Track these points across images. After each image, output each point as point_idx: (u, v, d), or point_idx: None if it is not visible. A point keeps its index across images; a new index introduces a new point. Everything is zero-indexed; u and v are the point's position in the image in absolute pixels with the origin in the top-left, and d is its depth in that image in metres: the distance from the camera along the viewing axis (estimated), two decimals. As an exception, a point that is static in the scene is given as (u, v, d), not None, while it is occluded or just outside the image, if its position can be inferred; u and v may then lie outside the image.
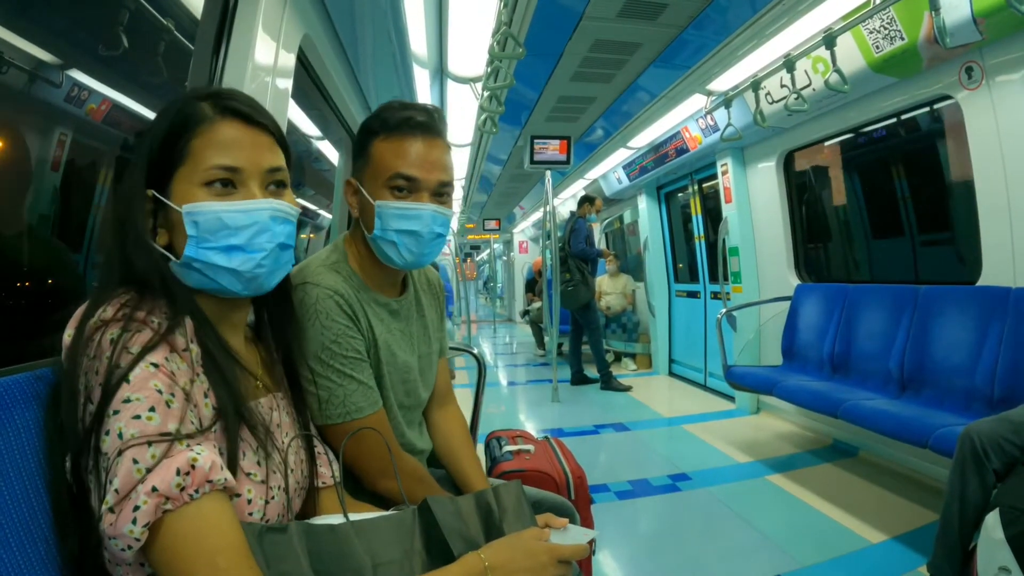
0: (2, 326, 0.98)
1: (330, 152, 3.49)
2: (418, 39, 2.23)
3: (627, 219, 6.47)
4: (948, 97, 2.29)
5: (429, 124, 0.91)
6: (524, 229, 10.99)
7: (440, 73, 2.83)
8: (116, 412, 0.50)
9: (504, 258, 13.92)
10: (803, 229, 3.51)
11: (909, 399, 2.29)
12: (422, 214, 0.90)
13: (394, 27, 2.06)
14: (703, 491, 2.45)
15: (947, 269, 2.77)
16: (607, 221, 6.75)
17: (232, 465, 0.57)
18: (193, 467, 0.50)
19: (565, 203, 7.01)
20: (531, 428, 3.55)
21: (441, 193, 0.93)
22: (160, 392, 0.52)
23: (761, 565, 1.81)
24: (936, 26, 1.78)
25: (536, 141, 4.03)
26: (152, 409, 0.50)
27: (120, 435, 0.49)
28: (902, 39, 2.15)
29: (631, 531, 2.16)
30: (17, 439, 0.53)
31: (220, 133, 0.62)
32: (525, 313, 7.65)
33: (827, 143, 3.22)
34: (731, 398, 4.01)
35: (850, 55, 2.33)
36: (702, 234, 4.61)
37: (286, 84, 1.37)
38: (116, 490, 0.48)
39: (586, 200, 4.82)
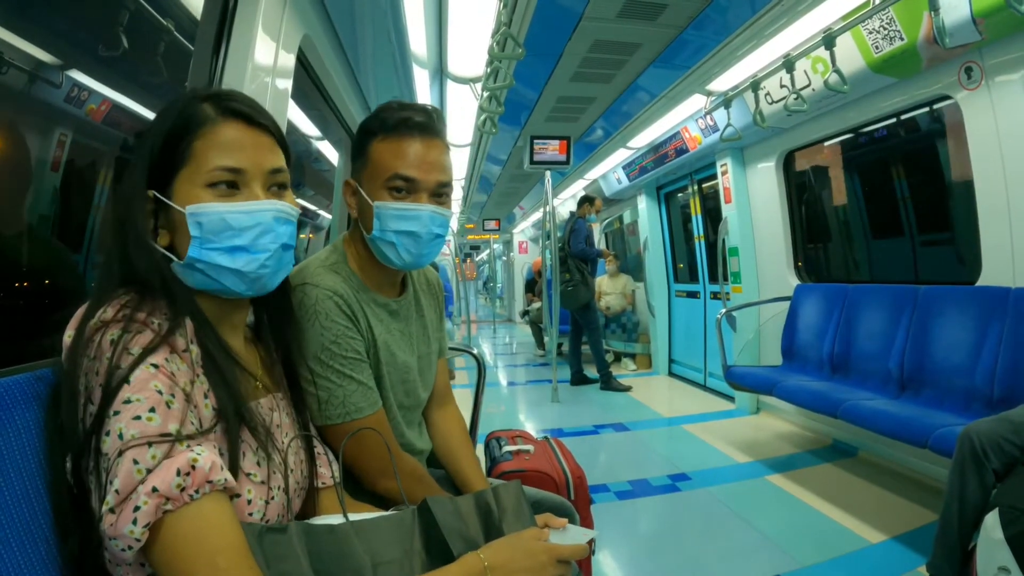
0: (2, 326, 0.98)
1: (330, 152, 3.49)
2: (418, 39, 2.24)
3: (627, 219, 6.47)
4: (948, 97, 2.29)
5: (427, 124, 0.91)
6: (524, 229, 10.99)
7: (440, 73, 2.83)
8: (116, 413, 0.50)
9: (504, 258, 13.93)
10: (803, 229, 3.52)
11: (909, 399, 2.29)
12: (420, 215, 0.90)
13: (394, 27, 2.06)
14: (703, 491, 2.46)
15: (947, 269, 2.77)
16: (607, 221, 6.75)
17: (233, 466, 0.57)
18: (193, 467, 0.50)
19: (565, 203, 7.01)
20: (531, 428, 3.56)
21: (440, 194, 0.93)
22: (160, 393, 0.52)
23: (761, 565, 1.81)
24: (935, 26, 1.78)
25: (536, 141, 4.03)
26: (152, 410, 0.50)
27: (120, 436, 0.49)
28: (901, 39, 2.15)
29: (631, 531, 2.16)
30: (18, 439, 0.53)
31: (222, 134, 0.62)
32: (525, 313, 7.65)
33: (827, 143, 3.23)
34: (731, 398, 4.01)
35: (849, 55, 2.33)
36: (702, 234, 4.61)
37: (286, 84, 1.37)
38: (117, 490, 0.48)
39: (586, 200, 4.82)
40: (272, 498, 0.63)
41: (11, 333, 0.99)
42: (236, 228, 0.62)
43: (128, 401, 0.50)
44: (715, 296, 4.39)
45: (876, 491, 2.37)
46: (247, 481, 0.60)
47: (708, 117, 3.47)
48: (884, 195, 3.07)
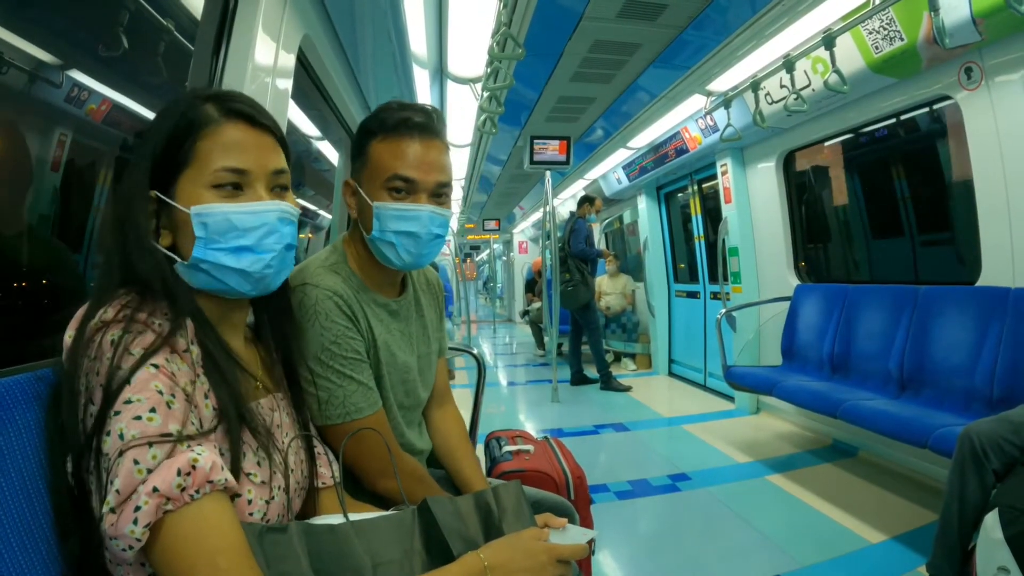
0: (2, 326, 0.98)
1: (330, 152, 3.49)
2: (418, 39, 2.24)
3: (627, 219, 6.47)
4: (947, 98, 2.29)
5: (427, 125, 0.91)
6: (524, 229, 10.99)
7: (440, 73, 2.83)
8: (117, 413, 0.50)
9: (504, 258, 13.93)
10: (803, 229, 3.52)
11: (908, 399, 2.29)
12: (420, 215, 0.90)
13: (394, 27, 2.06)
14: (703, 491, 2.46)
15: (947, 269, 2.77)
16: (607, 221, 6.75)
17: (235, 467, 0.57)
18: (194, 468, 0.50)
19: (565, 203, 7.01)
20: (531, 428, 3.56)
21: (439, 194, 0.93)
22: (161, 393, 0.52)
23: (761, 565, 1.81)
24: (935, 26, 1.78)
25: (536, 141, 4.03)
26: (153, 410, 0.51)
27: (121, 436, 0.49)
28: (901, 39, 2.15)
29: (631, 531, 2.16)
30: (19, 439, 0.53)
31: (227, 135, 0.62)
32: (525, 313, 7.65)
33: (827, 143, 3.23)
34: (731, 398, 4.01)
35: (849, 56, 2.33)
36: (702, 234, 4.62)
37: (286, 84, 1.37)
38: (117, 491, 0.48)
39: (586, 200, 4.82)
40: (272, 498, 0.63)
41: (11, 333, 0.99)
42: (241, 229, 0.62)
43: (129, 401, 0.50)
44: (715, 296, 4.39)
45: (876, 491, 2.37)
46: (247, 481, 0.60)
47: (708, 117, 3.47)
48: (884, 195, 3.07)
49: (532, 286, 7.61)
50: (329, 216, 4.34)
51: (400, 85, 2.66)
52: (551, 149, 4.07)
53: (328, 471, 0.77)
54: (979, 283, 2.24)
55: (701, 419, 3.69)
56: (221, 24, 1.15)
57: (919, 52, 2.14)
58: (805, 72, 2.61)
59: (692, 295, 4.85)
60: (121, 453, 0.49)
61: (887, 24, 2.16)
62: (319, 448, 0.78)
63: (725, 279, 3.86)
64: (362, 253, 0.97)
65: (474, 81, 2.78)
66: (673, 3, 2.18)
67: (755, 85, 2.70)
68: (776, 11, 2.21)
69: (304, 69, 1.70)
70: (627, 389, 4.50)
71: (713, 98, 3.15)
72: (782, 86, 2.71)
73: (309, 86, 1.86)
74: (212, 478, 0.51)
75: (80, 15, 1.24)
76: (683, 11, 2.25)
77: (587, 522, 1.36)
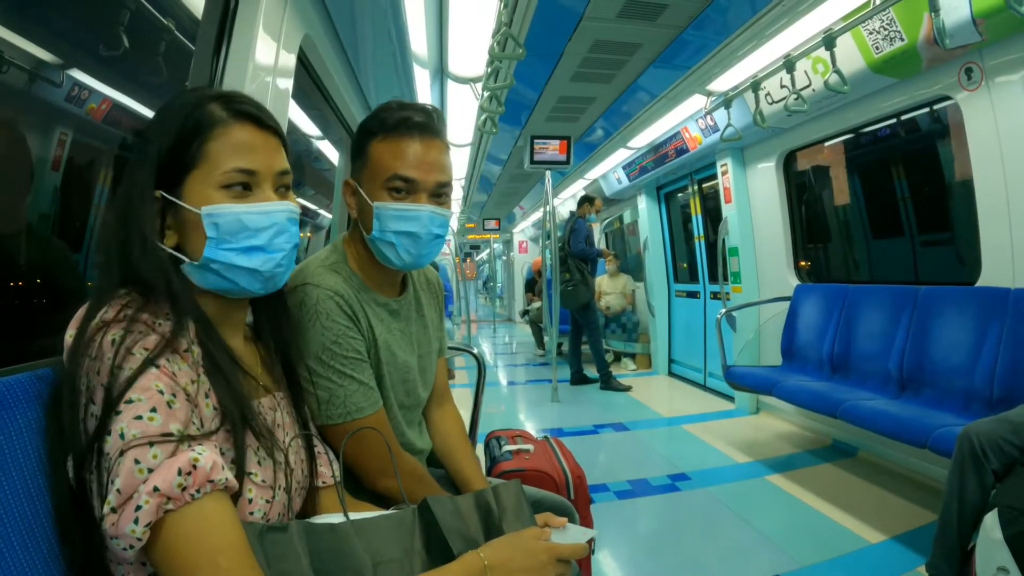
0: (3, 326, 0.98)
1: (330, 152, 3.49)
2: (418, 39, 2.24)
3: (627, 219, 6.47)
4: (948, 98, 2.29)
5: (427, 124, 0.91)
6: (524, 229, 10.99)
7: (440, 73, 2.83)
8: (118, 413, 0.50)
9: (504, 258, 13.92)
10: (803, 229, 3.52)
11: (908, 399, 2.29)
12: (420, 215, 0.90)
13: (394, 27, 2.06)
14: (703, 491, 2.46)
15: (947, 270, 2.77)
16: (607, 221, 6.75)
17: (240, 471, 0.58)
18: (195, 467, 0.50)
19: (565, 203, 7.01)
20: (531, 428, 3.56)
21: (439, 194, 0.93)
22: (161, 393, 0.52)
23: (760, 565, 1.81)
24: (936, 27, 1.78)
25: (536, 141, 4.03)
26: (154, 410, 0.51)
27: (122, 435, 0.49)
28: (902, 40, 2.15)
29: (630, 531, 2.17)
30: (19, 439, 0.53)
31: (236, 136, 0.63)
32: (525, 313, 7.65)
33: (827, 143, 3.23)
34: (731, 398, 4.01)
35: (850, 56, 2.33)
36: (702, 234, 4.62)
37: (287, 84, 1.37)
38: (118, 490, 0.48)
39: (586, 200, 4.82)
40: (273, 497, 0.63)
41: (12, 333, 0.99)
42: (253, 229, 0.63)
43: (130, 401, 0.50)
44: (715, 296, 4.39)
45: (876, 491, 2.37)
46: (248, 481, 0.61)
47: (708, 117, 3.47)
48: (884, 195, 3.07)
49: (532, 286, 7.61)
50: (329, 216, 4.34)
51: (400, 85, 2.66)
52: (551, 149, 4.07)
53: (328, 470, 0.77)
54: (979, 283, 2.25)
55: (701, 419, 3.69)
56: (222, 24, 1.15)
57: (919, 52, 2.14)
58: (805, 72, 2.61)
59: (692, 295, 4.86)
60: (122, 453, 0.49)
61: (887, 24, 2.16)
62: (319, 447, 0.78)
63: (725, 279, 3.86)
64: (362, 253, 0.97)
65: (474, 81, 2.78)
66: (673, 3, 2.18)
67: (755, 85, 2.70)
68: (776, 11, 2.21)
69: (305, 69, 1.70)
70: (627, 389, 4.50)
71: (713, 98, 3.15)
72: (782, 86, 2.71)
73: (310, 86, 1.86)
74: (213, 477, 0.51)
75: (81, 14, 1.24)
76: (683, 11, 2.25)
77: (587, 522, 1.36)
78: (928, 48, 2.10)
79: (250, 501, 0.60)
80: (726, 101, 2.91)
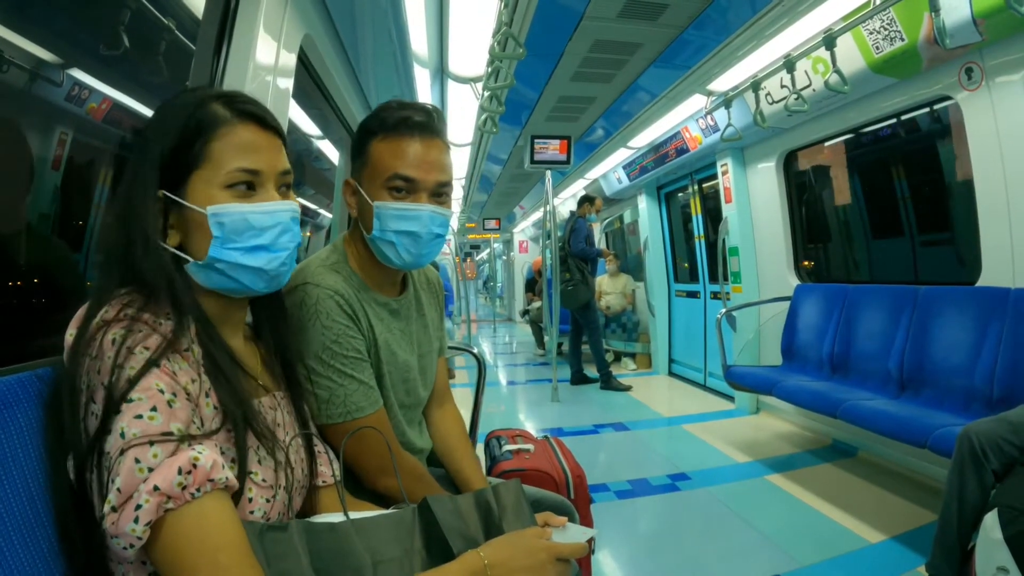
0: (2, 326, 0.99)
1: (330, 151, 3.49)
2: (419, 39, 2.24)
3: (627, 219, 6.47)
4: (948, 98, 2.29)
5: (427, 124, 0.91)
6: (524, 229, 10.99)
7: (440, 73, 2.83)
8: (118, 412, 0.50)
9: (504, 258, 13.92)
10: (803, 229, 3.52)
11: (908, 399, 2.29)
12: (420, 215, 0.90)
13: (395, 27, 2.06)
14: (702, 491, 2.46)
15: (947, 270, 2.77)
16: (607, 221, 6.75)
17: (242, 473, 0.58)
18: (195, 466, 0.50)
19: (565, 203, 7.01)
20: (531, 427, 3.56)
21: (439, 193, 0.93)
22: (162, 392, 0.52)
23: (760, 565, 1.81)
24: (936, 27, 1.78)
25: (536, 141, 4.03)
26: (154, 409, 0.51)
27: (122, 434, 0.49)
28: (902, 40, 2.15)
29: (630, 531, 2.17)
30: (20, 438, 0.53)
31: (240, 136, 0.63)
32: (525, 313, 7.65)
33: (827, 143, 3.23)
34: (731, 398, 4.01)
35: (850, 56, 2.33)
36: (702, 234, 4.62)
37: (287, 84, 1.37)
38: (118, 489, 0.48)
39: (586, 200, 4.82)
40: (274, 497, 0.64)
41: (12, 332, 0.99)
42: (258, 228, 0.63)
43: (130, 400, 0.50)
44: (715, 296, 4.39)
45: (876, 491, 2.37)
46: (249, 480, 0.61)
47: (708, 117, 3.47)
48: (884, 195, 3.07)
49: (532, 285, 7.61)
50: (329, 215, 4.34)
51: (401, 84, 2.66)
52: (551, 148, 4.07)
53: (328, 469, 0.77)
54: (979, 283, 2.25)
55: (701, 419, 3.69)
56: (222, 23, 1.15)
57: (920, 52, 2.14)
58: (806, 72, 2.61)
59: (692, 295, 4.86)
60: (122, 452, 0.49)
61: (888, 24, 2.16)
62: (319, 447, 0.78)
63: (725, 279, 3.86)
64: (362, 252, 0.97)
65: (475, 80, 2.78)
66: (674, 3, 2.18)
67: (756, 85, 2.70)
68: (776, 11, 2.21)
69: (305, 68, 1.70)
70: (627, 389, 4.50)
71: (713, 98, 3.15)
72: (783, 86, 2.71)
73: (310, 85, 1.86)
74: (213, 476, 0.51)
75: (81, 14, 1.24)
76: (684, 11, 2.25)
77: (587, 521, 1.36)
78: (928, 48, 2.10)
79: (250, 500, 0.60)
80: (726, 101, 2.91)
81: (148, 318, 0.55)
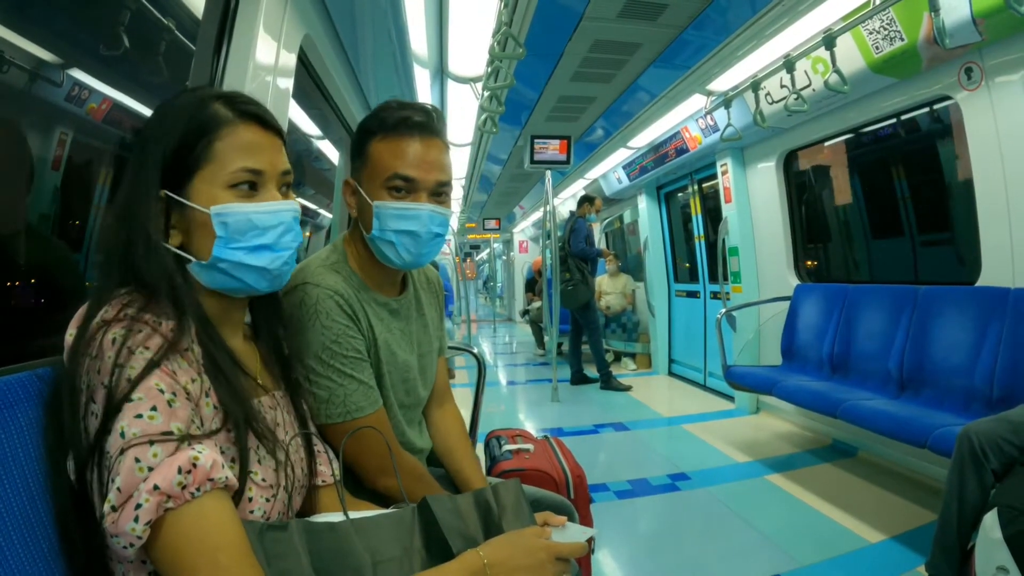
0: (2, 326, 0.99)
1: (330, 151, 3.49)
2: (418, 39, 2.24)
3: (627, 219, 6.47)
4: (948, 98, 2.29)
5: (427, 124, 0.91)
6: (524, 229, 10.99)
7: (440, 73, 2.83)
8: (118, 411, 0.50)
9: (504, 258, 13.92)
10: (803, 229, 3.52)
11: (908, 399, 2.29)
12: (420, 214, 0.90)
13: (394, 27, 2.06)
14: (702, 491, 2.46)
15: (946, 269, 2.77)
16: (607, 221, 6.75)
17: (243, 473, 0.58)
18: (195, 465, 0.50)
19: (565, 203, 7.01)
20: (531, 427, 3.56)
21: (439, 193, 0.93)
22: (162, 391, 0.52)
23: (760, 565, 1.81)
24: (936, 27, 1.78)
25: (536, 141, 4.03)
26: (154, 408, 0.51)
27: (122, 434, 0.49)
28: (902, 40, 2.15)
29: (630, 531, 2.17)
30: (20, 438, 0.53)
31: (242, 136, 0.63)
32: (525, 313, 7.65)
33: (827, 143, 3.23)
34: (731, 398, 4.01)
35: (850, 56, 2.33)
36: (702, 234, 4.62)
37: (287, 84, 1.37)
38: (118, 488, 0.48)
39: (586, 200, 4.82)
40: (274, 496, 0.64)
41: (12, 332, 0.99)
42: (261, 227, 0.64)
43: (130, 400, 0.50)
44: (715, 296, 4.39)
45: (875, 491, 2.37)
46: (249, 480, 0.61)
47: (708, 117, 3.47)
48: (884, 195, 3.07)
49: (532, 285, 7.61)
50: (329, 215, 4.34)
51: (400, 84, 2.66)
52: (551, 148, 4.07)
53: (328, 469, 0.77)
54: (979, 283, 2.25)
55: (701, 419, 3.69)
56: (222, 23, 1.15)
57: (919, 52, 2.14)
58: (805, 72, 2.61)
59: (692, 295, 4.86)
60: (122, 451, 0.49)
61: (887, 24, 2.16)
62: (319, 446, 0.78)
63: (725, 279, 3.86)
64: (362, 252, 0.97)
65: (474, 80, 2.78)
66: (673, 3, 2.18)
67: (755, 85, 2.70)
68: (776, 11, 2.21)
69: (305, 68, 1.70)
70: (627, 389, 4.50)
71: (713, 98, 3.15)
72: (782, 86, 2.71)
73: (310, 85, 1.86)
74: (213, 476, 0.51)
75: (81, 14, 1.24)
76: (683, 11, 2.25)
77: (587, 521, 1.36)
78: (928, 48, 2.10)
79: (250, 500, 0.60)
80: (726, 101, 2.91)
81: (149, 318, 0.55)
